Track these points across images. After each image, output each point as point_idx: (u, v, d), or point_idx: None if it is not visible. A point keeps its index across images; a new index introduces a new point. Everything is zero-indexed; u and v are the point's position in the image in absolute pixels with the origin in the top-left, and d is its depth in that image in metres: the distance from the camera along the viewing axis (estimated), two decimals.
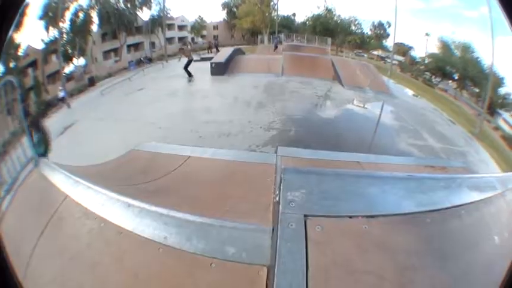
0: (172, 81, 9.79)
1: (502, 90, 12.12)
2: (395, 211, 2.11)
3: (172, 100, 8.78)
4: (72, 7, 10.53)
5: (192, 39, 13.35)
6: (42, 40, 9.77)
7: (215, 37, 13.52)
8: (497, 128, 11.79)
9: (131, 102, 9.20)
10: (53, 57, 10.14)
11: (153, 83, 10.41)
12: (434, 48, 12.19)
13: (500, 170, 8.52)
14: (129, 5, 11.62)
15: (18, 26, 7.13)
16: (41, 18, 9.69)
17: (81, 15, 10.66)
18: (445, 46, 12.02)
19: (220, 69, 10.21)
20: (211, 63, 10.46)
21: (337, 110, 7.96)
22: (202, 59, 11.91)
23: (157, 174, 4.95)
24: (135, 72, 11.36)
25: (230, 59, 10.94)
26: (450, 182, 3.27)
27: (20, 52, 8.82)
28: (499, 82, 11.78)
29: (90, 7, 10.95)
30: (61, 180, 3.77)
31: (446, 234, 2.20)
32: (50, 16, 9.90)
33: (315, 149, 5.66)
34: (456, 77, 12.40)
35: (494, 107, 11.89)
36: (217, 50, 12.75)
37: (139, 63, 11.95)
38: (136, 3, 11.85)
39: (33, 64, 9.45)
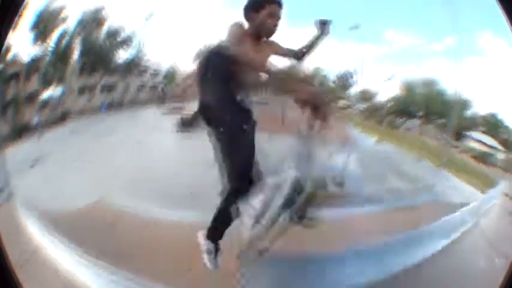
0: (138, 131, 9.55)
1: (469, 112, 12.66)
2: None
3: (140, 153, 8.43)
4: (60, 27, 10.19)
5: (163, 88, 12.89)
6: (29, 54, 9.56)
7: (176, 86, 13.11)
8: (466, 151, 12.32)
9: (99, 148, 8.92)
10: (35, 77, 9.86)
11: (121, 131, 10.03)
12: (397, 90, 12.85)
13: (474, 189, 8.94)
14: (108, 42, 11.31)
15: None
16: (32, 28, 9.48)
17: (67, 37, 10.37)
18: (408, 87, 12.69)
19: (187, 125, 9.58)
20: (179, 118, 9.93)
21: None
22: (171, 112, 11.43)
23: (121, 233, 4.90)
24: (106, 115, 11.09)
25: (197, 114, 10.26)
26: (419, 236, 3.51)
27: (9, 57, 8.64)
28: (465, 105, 12.29)
29: (76, 33, 10.64)
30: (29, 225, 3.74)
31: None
32: (41, 29, 9.58)
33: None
34: (420, 114, 12.92)
35: (461, 131, 12.38)
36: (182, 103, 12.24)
37: (110, 106, 11.49)
38: (118, 40, 11.52)
39: (16, 76, 9.24)
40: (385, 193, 7.50)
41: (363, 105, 13.38)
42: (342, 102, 13.60)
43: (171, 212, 5.54)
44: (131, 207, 5.61)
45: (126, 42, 11.44)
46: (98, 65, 11.19)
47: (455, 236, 3.93)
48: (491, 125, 12.31)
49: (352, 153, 9.02)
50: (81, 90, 11.11)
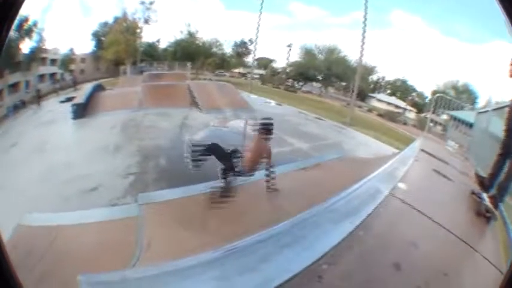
0: (39, 131, 8.83)
1: (374, 77, 13.47)
2: None
3: (39, 157, 7.51)
4: None
5: (61, 74, 11.93)
6: None
7: (71, 72, 12.29)
8: (371, 110, 12.96)
9: (5, 163, 7.78)
10: None
11: (23, 136, 8.99)
12: (297, 57, 13.24)
13: (382, 143, 9.40)
14: (17, 34, 9.87)
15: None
16: None
17: None
18: (308, 53, 13.11)
19: (81, 111, 9.25)
20: (72, 105, 9.39)
21: (197, 137, 7.61)
22: (68, 99, 10.73)
23: (37, 255, 4.12)
24: (12, 121, 9.76)
25: (90, 97, 10.00)
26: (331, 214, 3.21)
27: None
28: (369, 71, 12.99)
29: None
30: None
31: None
32: None
33: (179, 184, 5.22)
34: (320, 78, 13.42)
35: (365, 93, 13.06)
36: (75, 88, 11.58)
37: (16, 108, 10.28)
38: (22, 31, 10.16)
39: None
40: (284, 156, 7.15)
41: (260, 72, 14.08)
42: (238, 70, 14.49)
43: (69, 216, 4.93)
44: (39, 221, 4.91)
45: (30, 31, 10.27)
46: (5, 64, 9.72)
47: (370, 209, 3.59)
48: (401, 89, 13.01)
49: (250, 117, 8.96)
50: None
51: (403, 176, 5.08)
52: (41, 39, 10.72)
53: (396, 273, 2.74)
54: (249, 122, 5.62)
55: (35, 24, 10.35)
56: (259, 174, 5.50)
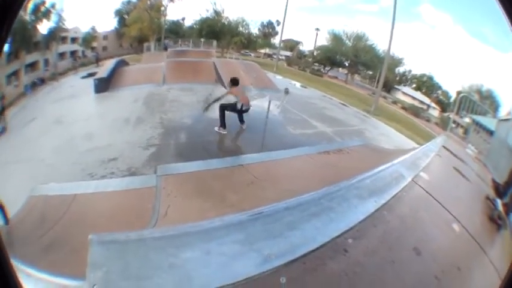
0: (58, 105, 8.88)
1: (401, 69, 13.30)
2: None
3: (58, 130, 7.68)
4: None
5: (83, 52, 12.08)
6: None
7: (93, 49, 12.40)
8: (395, 102, 12.81)
9: (23, 138, 7.96)
10: None
11: (41, 111, 9.11)
12: (324, 41, 13.09)
13: (404, 137, 9.29)
14: (33, 17, 10.03)
15: None
16: None
17: None
18: (336, 38, 12.92)
19: (103, 86, 9.30)
20: (94, 80, 9.44)
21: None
22: (90, 75, 10.87)
23: (49, 223, 4.29)
24: (30, 97, 9.97)
25: (113, 72, 10.07)
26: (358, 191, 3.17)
27: None
28: (396, 62, 12.81)
29: None
30: None
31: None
32: None
33: (198, 159, 5.29)
34: (347, 64, 13.42)
35: (390, 84, 12.91)
36: (97, 64, 11.67)
37: (34, 85, 10.50)
38: (39, 14, 10.31)
39: None
40: (307, 138, 7.36)
41: (287, 53, 14.11)
42: (264, 50, 14.59)
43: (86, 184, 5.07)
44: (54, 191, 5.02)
45: (48, 13, 10.43)
46: (22, 45, 9.90)
47: (391, 194, 3.61)
48: (427, 85, 12.79)
49: (273, 99, 8.98)
50: (9, 79, 9.78)
51: (425, 166, 5.08)
52: (60, 20, 10.82)
53: (416, 258, 2.76)
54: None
55: (53, 6, 10.45)
56: (281, 155, 5.75)
